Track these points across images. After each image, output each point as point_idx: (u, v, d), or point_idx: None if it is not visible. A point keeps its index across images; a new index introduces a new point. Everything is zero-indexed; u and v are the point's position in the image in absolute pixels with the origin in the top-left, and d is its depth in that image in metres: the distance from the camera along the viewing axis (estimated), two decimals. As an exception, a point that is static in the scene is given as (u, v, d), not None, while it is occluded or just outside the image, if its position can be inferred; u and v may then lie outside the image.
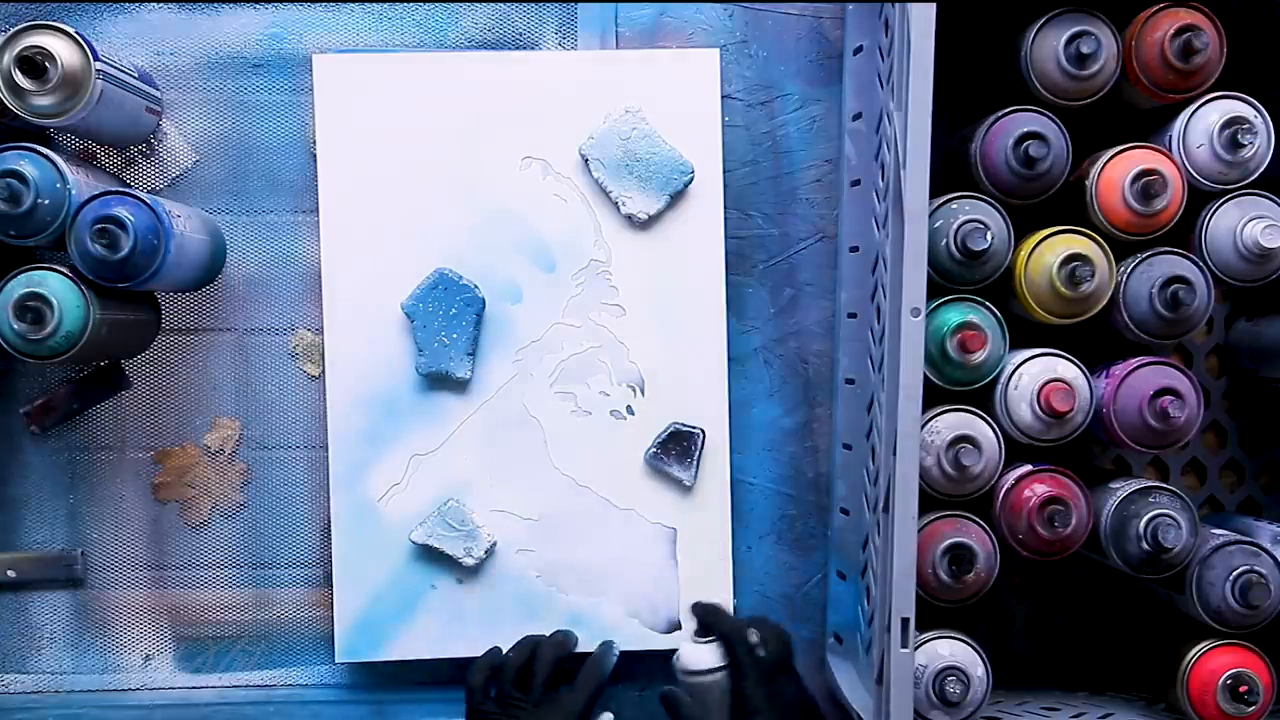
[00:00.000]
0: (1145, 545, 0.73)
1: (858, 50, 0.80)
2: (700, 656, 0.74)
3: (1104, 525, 0.75)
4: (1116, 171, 0.74)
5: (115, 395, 0.82)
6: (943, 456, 0.74)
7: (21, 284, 0.69)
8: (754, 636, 0.72)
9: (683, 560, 0.82)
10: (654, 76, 0.82)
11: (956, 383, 0.75)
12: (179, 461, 0.83)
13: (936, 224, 0.74)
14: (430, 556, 0.81)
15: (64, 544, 0.83)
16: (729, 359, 0.83)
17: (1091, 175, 0.75)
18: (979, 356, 0.74)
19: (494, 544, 0.81)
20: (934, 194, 0.69)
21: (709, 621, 0.75)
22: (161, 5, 0.82)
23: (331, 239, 0.81)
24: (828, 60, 0.85)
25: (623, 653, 0.80)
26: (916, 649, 0.71)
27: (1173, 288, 0.73)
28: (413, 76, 0.81)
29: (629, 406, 0.82)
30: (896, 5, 0.67)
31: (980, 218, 0.73)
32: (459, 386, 0.82)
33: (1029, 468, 0.76)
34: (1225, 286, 0.76)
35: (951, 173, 0.77)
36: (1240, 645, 0.75)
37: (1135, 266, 0.75)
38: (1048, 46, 0.74)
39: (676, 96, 0.82)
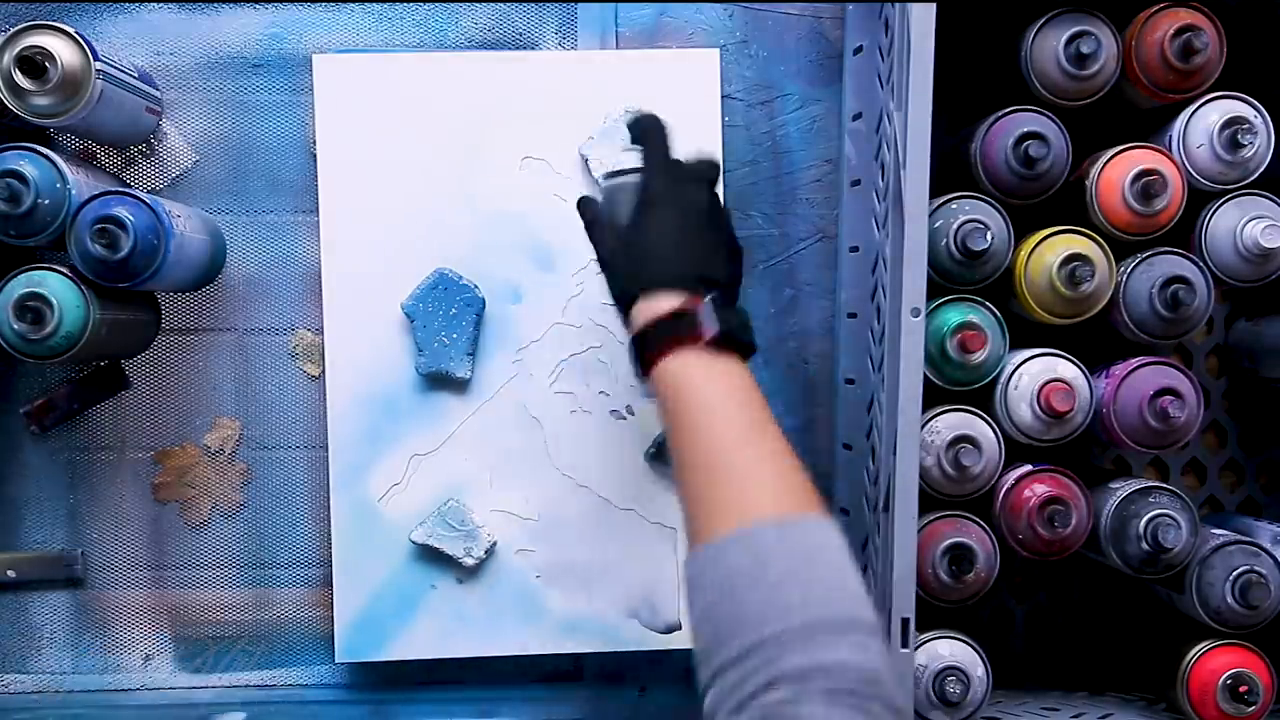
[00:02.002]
0: (1145, 545, 0.73)
1: (858, 50, 0.80)
2: (622, 159, 0.70)
3: (1104, 525, 0.75)
4: (1116, 171, 0.74)
5: (115, 395, 0.82)
6: (943, 456, 0.74)
7: (21, 284, 0.69)
8: (679, 149, 0.67)
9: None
10: (654, 76, 0.82)
11: (956, 383, 0.75)
12: (179, 461, 0.83)
13: (936, 224, 0.74)
14: (430, 556, 0.81)
15: (64, 544, 0.83)
16: (729, 359, 0.83)
17: (1091, 175, 0.75)
18: (979, 356, 0.74)
19: (494, 544, 0.81)
20: (934, 194, 0.69)
21: (642, 127, 0.69)
22: (161, 5, 0.82)
23: (331, 239, 0.81)
24: (828, 60, 0.85)
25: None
26: (916, 649, 0.71)
27: (1173, 288, 0.73)
28: (413, 76, 0.81)
29: (629, 406, 0.82)
30: (896, 5, 0.67)
31: (980, 218, 0.73)
32: (459, 386, 0.82)
33: (1029, 468, 0.76)
34: (1225, 286, 0.76)
35: (951, 173, 0.77)
36: (1240, 645, 0.75)
37: (1135, 266, 0.75)
38: (1048, 46, 0.74)
39: (676, 96, 0.82)
